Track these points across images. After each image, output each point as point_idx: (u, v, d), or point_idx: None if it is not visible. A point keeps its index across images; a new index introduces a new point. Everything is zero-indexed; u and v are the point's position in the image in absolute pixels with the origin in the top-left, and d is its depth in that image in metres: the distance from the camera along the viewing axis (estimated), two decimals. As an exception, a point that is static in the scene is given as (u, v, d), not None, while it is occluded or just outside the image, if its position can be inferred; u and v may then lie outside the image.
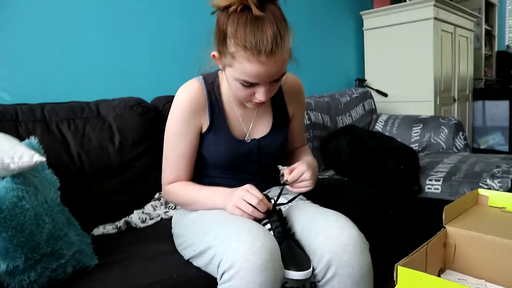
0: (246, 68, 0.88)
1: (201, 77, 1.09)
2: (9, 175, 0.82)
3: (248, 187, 0.97)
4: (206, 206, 1.05)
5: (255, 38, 0.85)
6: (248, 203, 0.94)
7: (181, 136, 1.06)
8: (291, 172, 1.01)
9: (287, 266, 0.87)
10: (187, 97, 1.04)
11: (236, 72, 0.91)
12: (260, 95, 0.94)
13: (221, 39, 0.90)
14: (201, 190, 1.07)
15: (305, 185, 1.02)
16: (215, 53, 0.96)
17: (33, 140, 1.04)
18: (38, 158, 0.84)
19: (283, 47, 0.87)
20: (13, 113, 1.30)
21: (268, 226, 0.96)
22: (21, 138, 1.19)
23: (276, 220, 0.95)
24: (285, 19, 0.90)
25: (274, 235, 0.93)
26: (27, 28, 1.51)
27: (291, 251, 0.91)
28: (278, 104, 1.16)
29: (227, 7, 0.87)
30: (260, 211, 0.95)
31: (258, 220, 0.97)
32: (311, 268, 0.89)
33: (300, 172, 1.01)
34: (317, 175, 1.09)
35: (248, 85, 0.92)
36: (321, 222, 0.95)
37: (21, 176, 0.85)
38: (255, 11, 0.84)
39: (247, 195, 0.95)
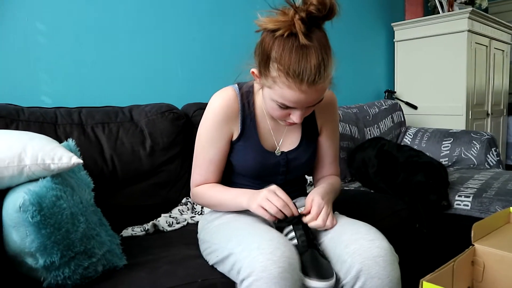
0: (286, 94, 0.89)
1: (236, 85, 1.10)
2: (49, 175, 0.87)
3: (275, 188, 0.97)
4: (231, 205, 1.06)
5: (299, 67, 0.84)
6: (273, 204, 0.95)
7: (212, 141, 1.08)
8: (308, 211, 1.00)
9: (309, 275, 0.87)
10: (221, 104, 1.06)
11: (275, 95, 0.92)
12: (295, 117, 0.95)
13: (264, 61, 0.90)
14: (228, 191, 1.09)
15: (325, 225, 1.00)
16: (255, 70, 0.96)
17: (71, 142, 1.08)
18: (75, 160, 0.89)
19: (325, 77, 0.88)
20: (53, 115, 1.36)
21: (292, 234, 0.96)
22: (59, 140, 1.25)
23: (301, 229, 0.95)
24: (330, 47, 0.89)
25: (298, 243, 0.93)
26: (67, 36, 1.59)
27: (315, 260, 0.91)
28: (307, 117, 1.14)
29: (274, 31, 0.87)
30: (284, 214, 0.95)
31: (283, 228, 0.98)
32: (334, 278, 0.89)
33: (316, 213, 0.99)
34: (331, 202, 1.08)
35: (285, 107, 0.94)
36: (352, 233, 0.95)
37: (60, 177, 0.89)
38: (302, 40, 0.84)
39: (273, 196, 0.95)
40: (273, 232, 0.91)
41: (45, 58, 1.54)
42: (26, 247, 0.80)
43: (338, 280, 0.93)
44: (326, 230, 1.02)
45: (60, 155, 0.88)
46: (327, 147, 1.20)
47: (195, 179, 1.13)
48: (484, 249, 0.84)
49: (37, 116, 1.32)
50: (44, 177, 0.86)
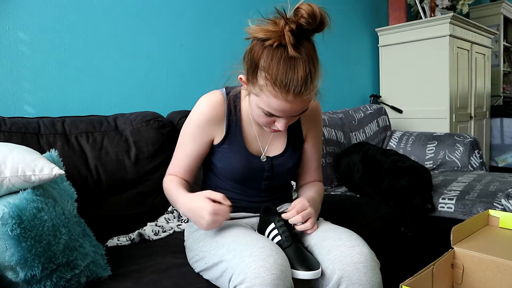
0: (272, 103, 0.91)
1: (224, 89, 1.12)
2: (29, 186, 0.87)
3: (206, 197, 0.96)
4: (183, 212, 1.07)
5: (286, 78, 0.86)
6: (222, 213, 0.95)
7: (191, 138, 1.11)
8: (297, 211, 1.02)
9: (296, 267, 0.89)
10: (207, 105, 1.08)
11: (261, 103, 0.93)
12: (280, 125, 0.97)
13: (252, 68, 0.91)
14: (178, 197, 1.06)
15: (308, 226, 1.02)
16: (242, 77, 0.97)
17: (53, 152, 1.07)
18: (57, 171, 0.88)
19: (312, 89, 0.89)
20: (36, 126, 1.35)
21: (275, 232, 0.98)
22: (42, 150, 1.24)
23: (283, 225, 0.98)
24: (318, 58, 0.91)
25: (282, 238, 0.95)
26: (50, 44, 1.58)
27: (300, 252, 0.93)
28: (293, 125, 1.16)
29: (264, 40, 0.88)
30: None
31: (264, 228, 1.00)
32: (320, 269, 0.91)
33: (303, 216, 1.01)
34: (318, 210, 1.12)
35: (270, 115, 0.95)
36: (334, 239, 0.97)
37: (41, 188, 0.89)
38: (291, 51, 0.85)
39: (218, 208, 0.94)
40: (264, 240, 0.92)
41: (27, 67, 1.53)
42: (6, 260, 0.79)
43: (320, 287, 0.94)
44: (307, 233, 1.04)
45: (41, 167, 0.87)
46: (311, 154, 1.22)
47: (170, 167, 1.18)
48: (463, 252, 0.86)
49: (19, 127, 1.30)
50: (24, 189, 0.85)
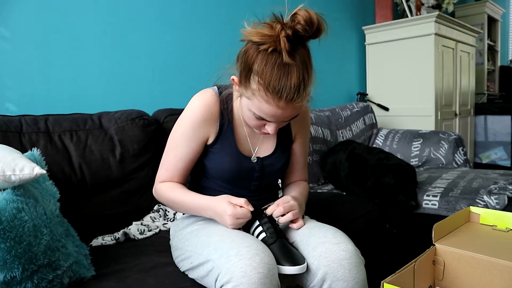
0: (264, 108, 0.91)
1: (216, 88, 1.10)
2: (10, 186, 0.85)
3: (228, 201, 0.98)
4: (194, 213, 1.08)
5: (279, 84, 0.86)
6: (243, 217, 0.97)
7: (187, 140, 1.07)
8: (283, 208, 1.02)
9: (281, 263, 0.90)
10: (201, 104, 1.06)
11: (253, 106, 0.93)
12: (270, 129, 0.97)
13: (246, 71, 0.91)
14: (192, 199, 1.07)
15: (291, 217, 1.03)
16: (235, 78, 0.96)
17: (36, 151, 1.06)
18: (38, 170, 0.87)
19: (304, 96, 0.89)
20: (18, 124, 1.33)
21: (260, 228, 0.98)
22: (24, 149, 1.22)
23: (267, 222, 0.99)
24: (312, 65, 0.91)
25: (267, 235, 0.96)
26: (33, 40, 1.56)
27: (285, 248, 0.94)
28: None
29: (259, 44, 0.87)
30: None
31: (249, 226, 1.01)
32: (306, 263, 0.92)
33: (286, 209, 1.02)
34: (302, 208, 1.12)
35: (261, 119, 0.95)
36: (319, 236, 0.97)
37: (22, 188, 0.87)
38: (285, 58, 0.85)
39: (239, 212, 0.96)
40: (250, 238, 0.92)
41: (9, 63, 1.50)
42: (-15, 262, 0.77)
43: (305, 283, 0.94)
44: (294, 227, 1.04)
45: (21, 166, 0.86)
46: (299, 154, 1.22)
47: (161, 174, 1.12)
48: (444, 249, 0.87)
49: (0, 125, 1.28)
50: (4, 189, 0.84)
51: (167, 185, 1.10)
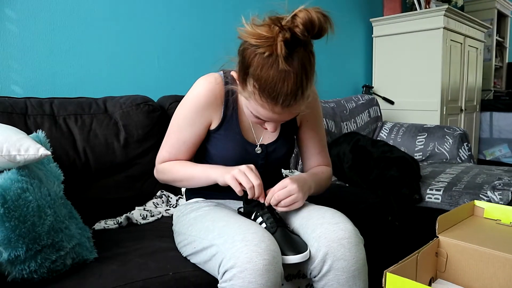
0: (260, 111, 0.90)
1: (222, 72, 1.08)
2: (15, 166, 0.85)
3: (253, 166, 0.98)
4: (200, 179, 1.05)
5: (275, 90, 0.83)
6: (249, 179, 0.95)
7: (189, 124, 1.06)
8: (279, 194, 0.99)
9: (284, 252, 0.89)
10: (206, 88, 1.04)
11: (250, 107, 0.92)
12: (269, 127, 0.97)
13: (243, 72, 0.89)
14: (196, 165, 1.07)
15: (292, 200, 0.99)
16: (235, 74, 0.95)
17: (40, 133, 1.06)
18: (43, 151, 0.87)
19: (302, 101, 0.87)
20: (23, 106, 1.33)
21: (260, 219, 0.98)
22: (29, 131, 1.22)
23: (266, 212, 0.98)
24: (312, 66, 0.87)
25: (267, 225, 0.96)
26: (39, 23, 1.55)
27: (286, 236, 0.94)
28: None
29: (256, 46, 0.84)
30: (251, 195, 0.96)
31: (249, 216, 1.00)
32: (308, 250, 0.91)
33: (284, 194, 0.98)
34: (307, 187, 1.05)
35: (259, 118, 0.94)
36: (317, 218, 0.97)
37: (27, 168, 0.87)
38: (282, 64, 0.81)
39: (251, 173, 0.95)
40: (256, 225, 0.92)
41: (15, 45, 1.50)
42: (-11, 240, 0.78)
43: (306, 267, 0.94)
44: (289, 208, 1.01)
45: (26, 147, 0.86)
46: (310, 139, 1.19)
47: (163, 155, 1.11)
48: (447, 241, 0.87)
49: (6, 106, 1.28)
50: (9, 169, 0.84)
51: (172, 162, 1.10)
